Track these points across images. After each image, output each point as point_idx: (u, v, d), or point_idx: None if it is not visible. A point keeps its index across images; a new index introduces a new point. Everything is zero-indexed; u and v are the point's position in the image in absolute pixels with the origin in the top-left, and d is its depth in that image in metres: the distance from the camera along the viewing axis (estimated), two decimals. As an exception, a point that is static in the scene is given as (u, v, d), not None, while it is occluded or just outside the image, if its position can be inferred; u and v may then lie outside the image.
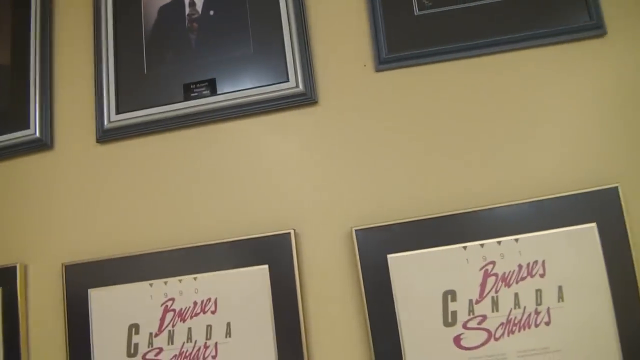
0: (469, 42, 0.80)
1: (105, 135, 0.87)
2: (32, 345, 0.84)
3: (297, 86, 0.82)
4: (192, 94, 0.87)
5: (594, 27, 0.78)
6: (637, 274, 0.72)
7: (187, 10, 0.90)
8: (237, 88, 0.85)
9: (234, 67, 0.86)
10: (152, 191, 0.83)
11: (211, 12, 0.89)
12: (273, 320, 0.77)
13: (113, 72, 0.91)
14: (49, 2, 0.94)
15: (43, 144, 0.88)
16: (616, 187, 0.74)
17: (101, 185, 0.85)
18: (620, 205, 0.73)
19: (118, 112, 0.89)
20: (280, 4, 0.85)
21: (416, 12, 0.82)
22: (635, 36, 0.79)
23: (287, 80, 0.83)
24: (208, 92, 0.87)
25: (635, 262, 0.72)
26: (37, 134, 0.89)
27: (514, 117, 0.78)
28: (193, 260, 0.79)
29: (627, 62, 0.78)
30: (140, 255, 0.80)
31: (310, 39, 0.84)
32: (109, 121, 0.88)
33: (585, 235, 0.73)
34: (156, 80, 0.89)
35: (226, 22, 0.87)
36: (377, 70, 0.81)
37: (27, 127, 0.89)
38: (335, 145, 0.80)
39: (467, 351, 0.73)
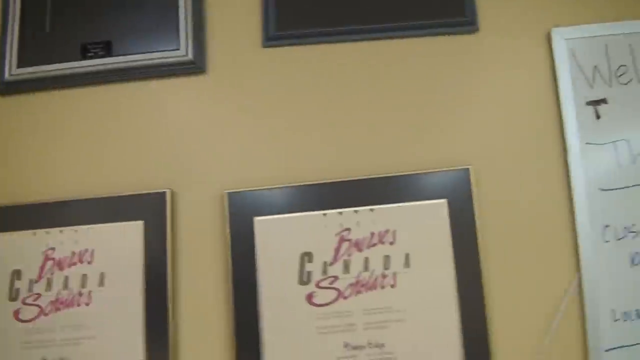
0: (354, 27, 0.89)
1: (6, 88, 0.93)
2: (182, 283, 0.87)
3: (186, 54, 0.90)
4: (89, 54, 0.94)
5: (467, 24, 0.88)
6: (479, 247, 0.82)
7: None
8: (131, 52, 0.93)
9: (130, 32, 0.93)
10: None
11: None
12: (144, 277, 0.85)
13: (17, 27, 0.97)
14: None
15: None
16: (468, 168, 0.84)
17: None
18: (470, 185, 0.83)
19: (19, 66, 0.94)
20: None
21: None
22: (504, 34, 0.88)
23: (178, 49, 0.91)
24: (104, 53, 0.94)
25: (478, 236, 0.82)
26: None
27: (382, 100, 0.88)
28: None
29: (497, 58, 0.89)
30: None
31: (205, 10, 0.92)
32: (10, 74, 0.94)
33: (435, 210, 0.84)
34: (56, 38, 0.96)
35: None
36: (265, 45, 0.90)
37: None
38: (218, 114, 0.89)
39: (318, 307, 0.83)
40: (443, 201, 0.82)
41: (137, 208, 0.86)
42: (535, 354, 0.82)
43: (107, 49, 0.93)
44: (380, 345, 0.81)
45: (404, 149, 0.86)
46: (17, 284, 0.84)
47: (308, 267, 0.82)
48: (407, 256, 0.82)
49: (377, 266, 0.82)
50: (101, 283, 0.85)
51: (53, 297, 0.84)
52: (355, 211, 0.83)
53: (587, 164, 0.86)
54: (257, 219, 0.83)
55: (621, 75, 0.89)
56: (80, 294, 0.84)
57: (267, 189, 0.84)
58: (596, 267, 0.84)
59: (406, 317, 0.81)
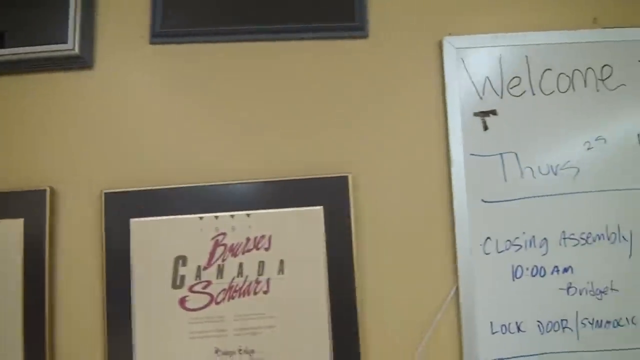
0: (241, 27, 0.89)
1: None
2: (60, 284, 0.87)
3: (74, 49, 0.91)
4: None
5: (357, 29, 0.88)
6: (353, 255, 0.83)
7: None
8: (22, 44, 0.93)
9: (23, 24, 0.94)
10: None
11: None
12: (22, 276, 0.85)
13: None
14: None
15: None
16: (346, 176, 0.85)
17: None
18: (348, 193, 0.84)
19: None
20: None
21: None
22: (394, 41, 0.89)
23: (66, 42, 0.91)
24: None
25: (353, 245, 0.83)
26: None
27: (264, 102, 0.89)
28: None
29: (386, 65, 0.90)
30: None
31: (95, 6, 0.92)
32: None
33: (312, 217, 0.85)
34: None
35: None
36: (152, 42, 0.90)
37: None
38: (102, 110, 0.90)
39: (190, 312, 0.84)
40: (319, 208, 0.83)
41: (18, 205, 0.86)
42: None
43: (1, 41, 0.93)
44: (250, 352, 0.82)
45: (284, 154, 0.86)
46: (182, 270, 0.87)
47: (182, 270, 0.83)
48: (281, 262, 0.83)
49: (251, 272, 0.83)
50: None
51: None
52: (232, 216, 0.84)
53: (470, 175, 0.86)
54: (133, 220, 0.84)
55: (514, 86, 0.89)
56: None
57: (145, 190, 0.85)
58: (475, 279, 0.85)
59: (277, 324, 0.82)
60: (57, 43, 0.91)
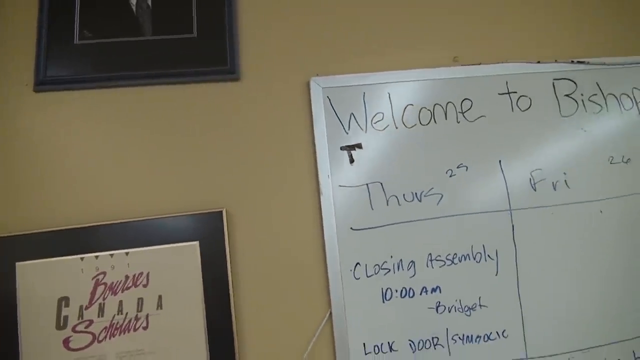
0: (120, 73, 1.08)
1: None
2: None
3: None
4: None
5: (229, 72, 1.09)
6: (230, 287, 1.01)
7: None
8: None
9: None
10: None
11: None
12: None
13: None
14: None
15: None
16: (221, 211, 1.03)
17: None
18: (223, 226, 1.03)
19: None
20: None
21: (76, 41, 1.09)
22: (265, 83, 1.10)
23: None
24: None
25: (229, 277, 1.01)
26: None
27: (141, 143, 1.07)
28: None
29: (258, 104, 1.11)
30: None
31: None
32: None
33: (188, 252, 1.02)
34: None
35: None
36: (36, 90, 1.08)
37: None
38: None
39: (74, 352, 0.99)
40: (195, 243, 1.01)
41: None
42: None
43: None
44: None
45: (161, 193, 1.04)
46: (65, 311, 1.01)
47: (65, 311, 0.99)
48: (160, 298, 1.00)
49: (130, 309, 0.99)
50: None
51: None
52: (111, 255, 1.00)
53: (339, 205, 1.06)
54: (19, 264, 1.00)
55: (378, 121, 1.10)
56: None
57: (29, 233, 1.01)
58: (346, 304, 1.04)
59: (157, 359, 0.98)
60: None
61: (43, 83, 1.06)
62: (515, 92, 1.12)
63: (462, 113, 1.10)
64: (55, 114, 1.06)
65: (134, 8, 1.09)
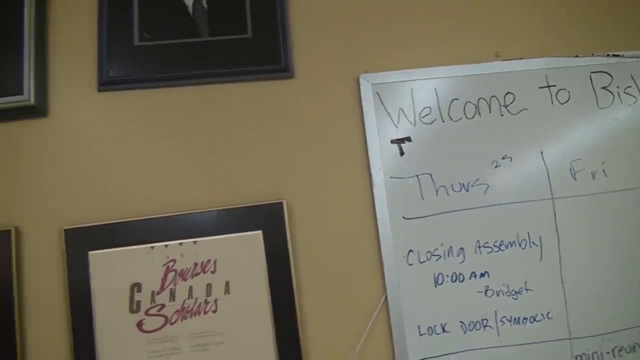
0: (179, 73, 1.19)
1: None
2: (29, 315, 1.09)
3: (29, 100, 1.18)
4: None
5: (283, 70, 1.19)
6: (292, 273, 1.11)
7: None
8: None
9: None
10: None
11: None
12: None
13: None
14: None
15: None
16: (281, 202, 1.14)
17: None
18: (284, 217, 1.13)
19: None
20: (24, 24, 1.21)
21: (136, 42, 1.20)
22: (317, 80, 1.20)
23: (22, 94, 1.19)
24: None
25: (291, 263, 1.11)
26: None
27: (205, 140, 1.17)
28: None
29: (311, 101, 1.20)
30: None
31: (47, 58, 1.21)
32: None
33: (252, 240, 1.13)
34: None
35: None
36: (100, 90, 1.19)
37: None
38: (58, 155, 1.16)
39: (147, 334, 1.10)
40: (258, 232, 1.12)
41: None
42: None
43: None
44: None
45: (225, 186, 1.14)
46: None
47: (137, 296, 1.10)
48: (227, 283, 1.11)
49: (200, 293, 1.10)
50: None
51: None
52: (180, 244, 1.11)
53: (391, 196, 1.17)
54: (91, 253, 1.11)
55: (425, 115, 1.21)
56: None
57: (101, 224, 1.12)
58: (401, 288, 1.14)
59: (226, 340, 1.09)
60: (12, 95, 1.19)
61: (106, 83, 1.17)
62: (555, 86, 1.22)
63: (505, 106, 1.20)
64: (118, 112, 1.16)
65: (190, 10, 1.19)
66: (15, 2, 1.19)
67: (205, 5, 1.19)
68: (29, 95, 1.15)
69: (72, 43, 1.20)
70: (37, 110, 1.16)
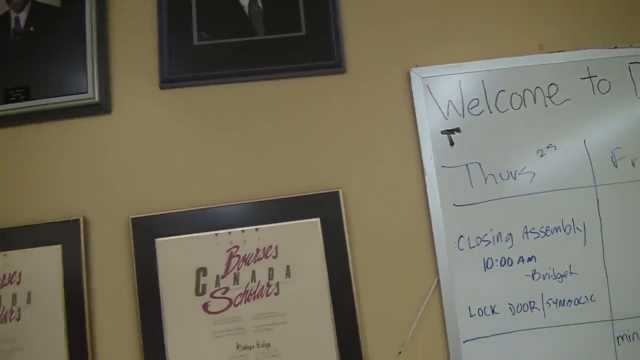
0: (237, 70, 1.26)
1: None
2: (98, 299, 1.17)
3: (94, 97, 1.26)
4: (10, 98, 1.29)
5: (336, 66, 1.26)
6: (349, 258, 1.18)
7: (12, 25, 1.33)
8: (46, 95, 1.28)
9: (45, 77, 1.29)
10: None
11: (31, 28, 1.32)
12: (63, 295, 1.19)
13: None
14: None
15: None
16: (337, 191, 1.21)
17: None
18: (340, 205, 1.20)
19: None
20: (86, 26, 1.29)
21: (195, 42, 1.28)
22: (369, 74, 1.26)
23: (87, 92, 1.27)
24: (24, 97, 1.29)
25: (348, 249, 1.17)
26: None
27: (263, 133, 1.23)
28: None
29: (364, 94, 1.27)
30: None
31: (110, 58, 1.28)
32: None
33: (310, 227, 1.20)
34: None
35: (40, 38, 1.30)
36: (162, 87, 1.26)
37: None
38: (123, 149, 1.23)
39: (213, 315, 1.17)
40: (316, 220, 1.19)
41: (56, 234, 1.19)
42: (401, 347, 1.18)
43: (26, 93, 1.28)
44: (267, 345, 1.16)
45: (284, 176, 1.20)
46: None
47: (203, 280, 1.17)
48: (287, 268, 1.18)
49: (262, 277, 1.17)
50: (28, 301, 1.18)
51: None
52: (243, 231, 1.18)
53: (442, 184, 1.23)
54: (158, 240, 1.19)
55: (473, 107, 1.26)
56: (12, 311, 1.18)
57: (167, 213, 1.19)
58: (452, 272, 1.20)
59: (288, 320, 1.16)
60: (78, 93, 1.27)
61: (167, 81, 1.23)
62: (596, 76, 1.26)
63: (549, 97, 1.25)
64: (179, 108, 1.23)
65: (246, 10, 1.26)
66: (78, 5, 1.27)
67: (260, 5, 1.25)
68: (93, 93, 1.22)
69: (133, 44, 1.27)
70: (101, 107, 1.23)
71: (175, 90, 1.22)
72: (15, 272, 1.19)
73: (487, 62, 1.25)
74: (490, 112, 1.23)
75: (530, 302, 1.18)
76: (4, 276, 1.19)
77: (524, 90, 1.24)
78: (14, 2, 1.29)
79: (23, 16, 1.29)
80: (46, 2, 1.28)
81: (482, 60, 1.25)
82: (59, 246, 1.19)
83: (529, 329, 1.18)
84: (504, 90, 1.23)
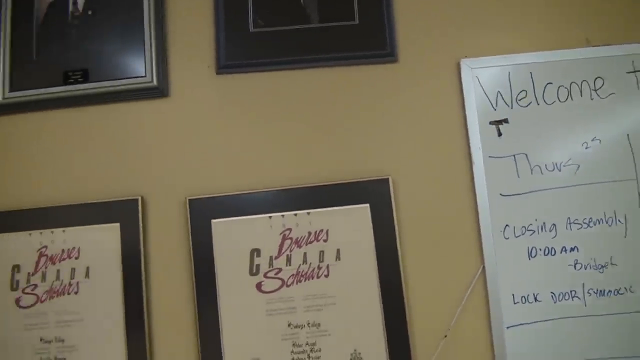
0: (291, 57, 1.29)
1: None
2: (154, 276, 1.22)
3: (152, 81, 1.30)
4: (69, 80, 1.34)
5: (388, 55, 1.29)
6: (398, 243, 1.22)
7: (71, 8, 1.38)
8: (104, 78, 1.32)
9: (104, 61, 1.33)
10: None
11: (90, 12, 1.36)
12: (121, 270, 1.25)
13: (8, 56, 1.35)
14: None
15: None
16: (387, 178, 1.24)
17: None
18: (390, 192, 1.24)
19: (10, 90, 1.34)
20: (145, 11, 1.32)
21: (251, 29, 1.31)
22: (420, 64, 1.29)
23: (145, 76, 1.31)
24: (82, 79, 1.34)
25: (397, 234, 1.21)
26: None
27: (316, 119, 1.26)
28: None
29: (414, 84, 1.29)
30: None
31: (167, 42, 1.32)
32: (3, 97, 1.34)
33: (360, 212, 1.24)
34: (41, 66, 1.34)
35: (98, 21, 1.34)
36: (218, 73, 1.30)
37: None
38: (180, 132, 1.27)
39: (266, 294, 1.22)
40: (366, 205, 1.22)
41: (114, 212, 1.25)
42: (447, 331, 1.22)
43: (85, 76, 1.33)
44: (317, 325, 1.21)
45: (335, 162, 1.23)
46: (16, 276, 1.24)
47: (257, 260, 1.22)
48: (338, 251, 1.22)
49: (313, 259, 1.22)
50: (87, 275, 1.24)
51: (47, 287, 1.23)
52: (295, 214, 1.23)
53: (489, 174, 1.26)
54: (214, 221, 1.23)
55: (522, 99, 1.29)
56: (70, 284, 1.24)
57: (222, 195, 1.23)
58: (497, 260, 1.24)
59: (337, 301, 1.21)
60: (136, 77, 1.31)
61: (224, 67, 1.27)
62: (640, 71, 1.28)
63: (595, 90, 1.28)
64: (235, 93, 1.27)
65: (301, -1, 1.29)
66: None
67: (315, -6, 1.28)
68: (151, 77, 1.26)
69: (191, 30, 1.30)
70: (159, 90, 1.27)
71: (231, 76, 1.26)
72: (74, 248, 1.24)
73: (535, 54, 1.27)
74: (538, 104, 1.25)
75: (571, 291, 1.22)
76: (63, 251, 1.24)
77: (570, 83, 1.26)
78: (71, -14, 1.31)
79: (81, 0, 1.31)
80: (105, -14, 1.30)
81: (531, 52, 1.26)
82: (117, 224, 1.23)
83: (569, 317, 1.22)
84: (551, 83, 1.26)
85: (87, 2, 1.32)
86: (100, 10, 1.31)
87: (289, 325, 1.16)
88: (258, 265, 1.18)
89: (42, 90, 1.29)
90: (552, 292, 1.21)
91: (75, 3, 1.32)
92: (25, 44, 1.33)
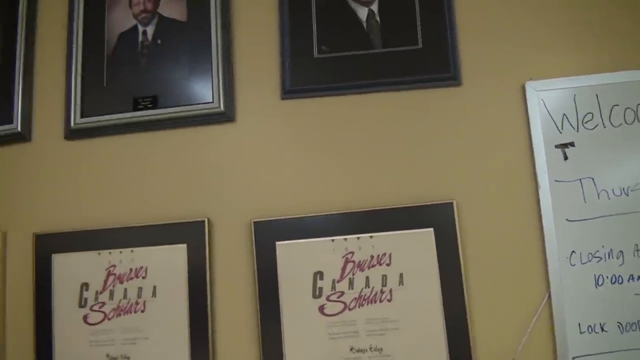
0: (355, 82, 1.32)
1: (72, 134, 1.38)
2: (219, 296, 1.25)
3: (219, 107, 1.34)
4: (139, 107, 1.39)
5: (452, 79, 1.30)
6: (462, 268, 1.21)
7: (140, 38, 1.44)
8: (173, 104, 1.37)
9: (173, 87, 1.38)
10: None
11: (159, 41, 1.42)
12: (187, 290, 1.29)
13: (80, 83, 1.43)
14: (33, 22, 1.47)
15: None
16: (452, 202, 1.24)
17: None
18: (454, 216, 1.24)
19: (82, 116, 1.41)
20: (212, 40, 1.37)
21: (315, 55, 1.34)
22: (484, 87, 1.29)
23: (212, 102, 1.36)
24: (151, 105, 1.39)
25: (461, 259, 1.21)
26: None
27: (380, 144, 1.27)
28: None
29: (478, 107, 1.29)
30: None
31: (233, 69, 1.36)
32: (74, 123, 1.41)
33: (424, 237, 1.24)
34: (112, 93, 1.41)
35: (167, 50, 1.40)
36: (283, 98, 1.33)
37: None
38: (246, 156, 1.30)
39: (328, 317, 1.23)
40: (430, 230, 1.22)
41: (181, 233, 1.29)
42: None
43: (154, 102, 1.38)
44: (379, 349, 1.21)
45: (399, 186, 1.24)
46: (85, 294, 1.29)
47: (319, 283, 1.23)
48: (401, 275, 1.22)
49: (376, 283, 1.22)
50: (154, 294, 1.28)
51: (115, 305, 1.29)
52: (358, 238, 1.24)
53: (555, 199, 1.24)
54: (278, 243, 1.25)
55: (588, 121, 1.27)
56: (137, 303, 1.28)
57: (286, 218, 1.25)
58: (563, 287, 1.22)
59: (400, 326, 1.21)
60: (204, 102, 1.35)
61: (289, 92, 1.30)
62: None
63: (664, 113, 1.24)
64: (299, 118, 1.30)
65: (364, 25, 1.31)
66: (204, 20, 1.36)
67: (378, 19, 1.30)
68: (218, 102, 1.30)
69: (256, 57, 1.34)
70: (226, 116, 1.31)
71: (296, 100, 1.29)
72: (141, 267, 1.28)
73: (601, 75, 1.25)
74: (604, 127, 1.23)
75: (638, 321, 1.17)
76: (130, 270, 1.29)
77: (637, 105, 1.24)
78: (141, 17, 1.37)
79: (150, 30, 1.37)
80: (173, 16, 1.35)
81: (596, 74, 1.24)
82: (184, 245, 1.26)
83: (636, 349, 1.17)
84: (617, 105, 1.24)
85: (156, 32, 1.37)
86: (168, 40, 1.36)
87: (351, 349, 1.17)
88: (321, 288, 1.19)
89: (113, 116, 1.34)
90: (618, 323, 1.18)
91: (145, 33, 1.38)
92: (96, 72, 1.39)
